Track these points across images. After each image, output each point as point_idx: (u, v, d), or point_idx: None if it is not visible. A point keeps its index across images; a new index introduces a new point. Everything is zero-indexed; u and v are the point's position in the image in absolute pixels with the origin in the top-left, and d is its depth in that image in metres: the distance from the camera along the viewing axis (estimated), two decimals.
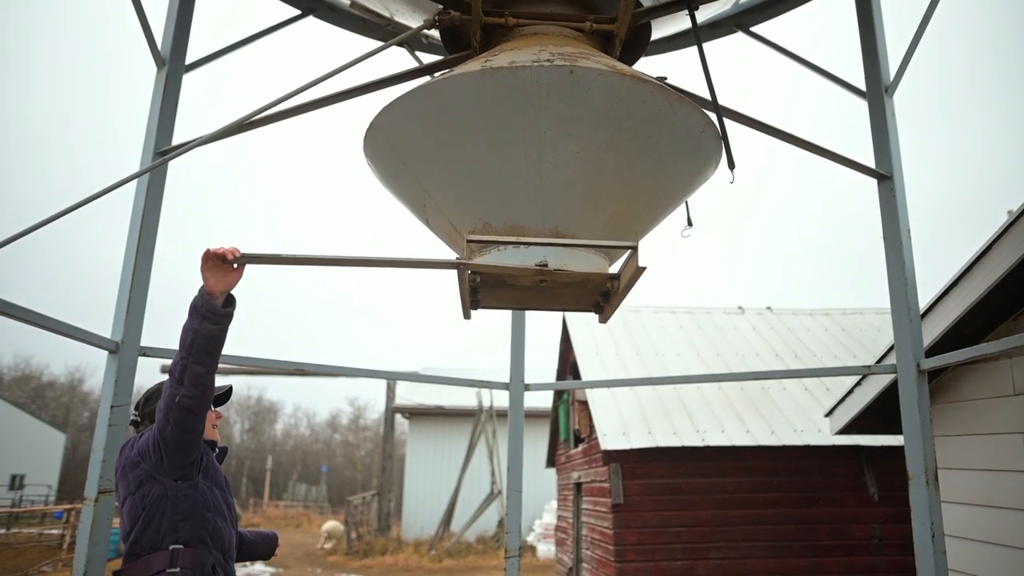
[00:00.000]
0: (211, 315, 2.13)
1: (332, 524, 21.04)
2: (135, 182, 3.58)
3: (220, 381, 2.83)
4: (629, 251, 2.15)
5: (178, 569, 2.19)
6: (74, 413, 49.78)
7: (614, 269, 2.32)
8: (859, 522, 7.05)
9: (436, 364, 25.42)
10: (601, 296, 2.42)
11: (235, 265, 2.13)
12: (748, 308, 9.96)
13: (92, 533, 3.14)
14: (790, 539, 6.97)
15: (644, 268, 2.03)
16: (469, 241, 2.05)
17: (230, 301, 2.20)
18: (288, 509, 39.14)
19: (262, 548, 2.75)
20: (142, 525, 2.22)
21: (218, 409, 2.73)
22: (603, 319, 2.61)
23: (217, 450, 2.66)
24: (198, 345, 2.13)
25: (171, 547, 2.21)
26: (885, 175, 3.78)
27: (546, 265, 1.95)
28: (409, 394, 23.59)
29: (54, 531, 19.50)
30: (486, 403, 20.21)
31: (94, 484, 3.18)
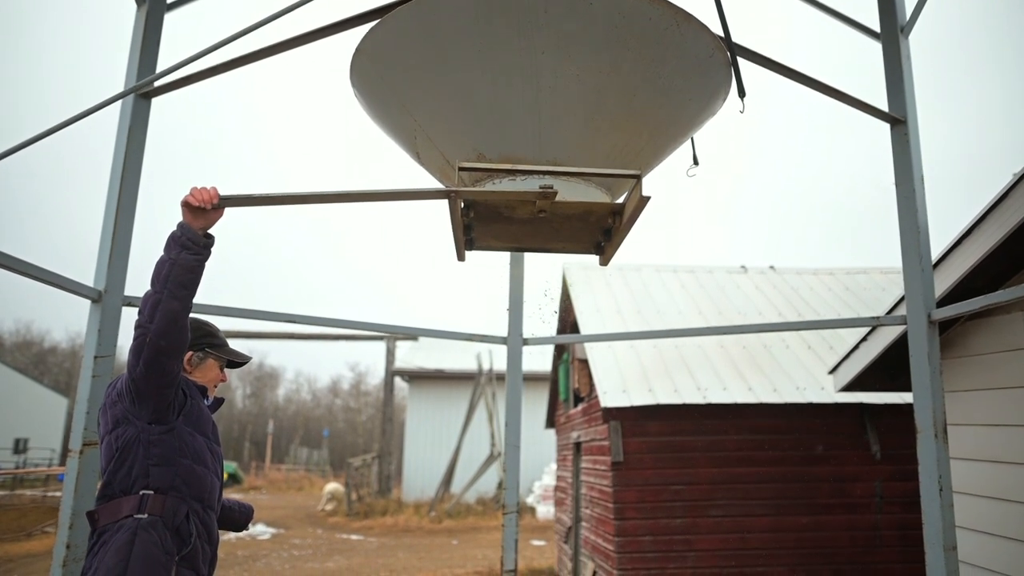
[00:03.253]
0: (192, 244, 2.05)
1: (334, 486, 21.13)
2: (116, 127, 3.45)
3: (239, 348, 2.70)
4: (633, 183, 2.02)
5: (146, 515, 2.08)
6: (76, 378, 49.95)
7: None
8: (861, 480, 7.00)
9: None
10: (602, 234, 2.29)
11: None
12: (751, 267, 9.85)
13: (77, 486, 3.06)
14: (791, 497, 6.93)
15: (648, 198, 1.90)
16: (460, 169, 1.90)
17: (210, 236, 2.12)
18: (290, 472, 39.47)
19: (238, 517, 2.63)
20: (115, 467, 2.12)
21: (225, 371, 2.59)
22: (604, 260, 2.48)
23: (211, 400, 2.51)
24: (175, 277, 2.03)
25: (141, 492, 2.10)
26: (899, 119, 3.64)
27: (551, 187, 1.79)
28: (409, 357, 23.58)
29: (57, 493, 19.64)
30: (486, 366, 20.21)
31: (79, 436, 3.10)
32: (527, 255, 4.64)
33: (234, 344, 2.74)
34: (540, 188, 1.81)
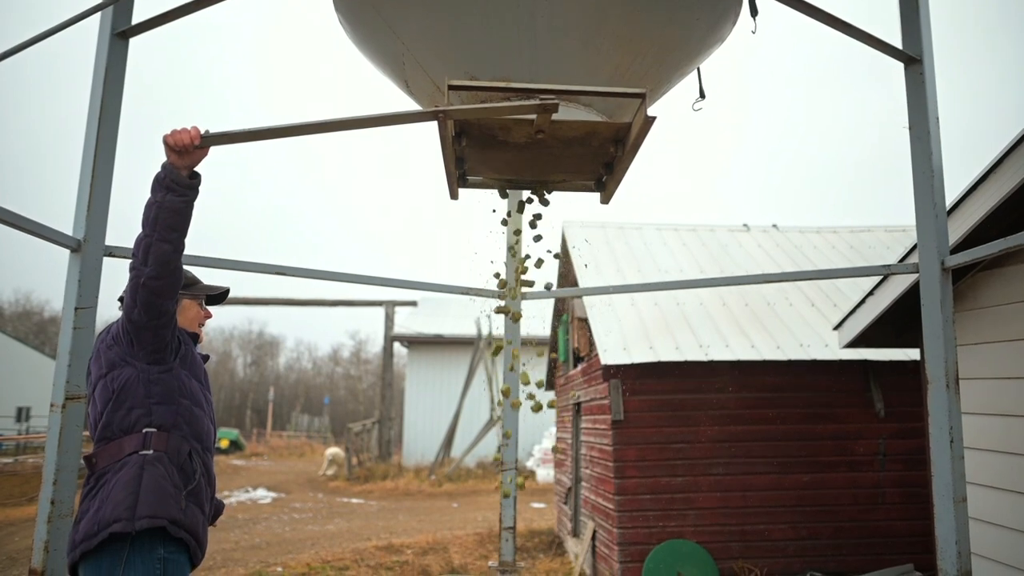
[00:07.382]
0: (176, 186, 2.02)
1: (335, 450, 21.17)
2: (92, 69, 3.28)
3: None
4: (637, 104, 1.87)
5: (151, 451, 2.09)
6: None
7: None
8: (864, 438, 6.94)
9: (435, 297, 25.18)
10: (605, 168, 2.14)
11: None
12: (753, 226, 9.69)
13: (61, 441, 2.96)
14: (793, 455, 6.87)
15: (654, 119, 1.75)
16: (450, 88, 1.75)
17: (195, 175, 2.09)
18: (291, 439, 39.68)
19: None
20: (113, 407, 2.13)
21: (209, 308, 2.59)
22: (606, 198, 2.35)
23: (198, 348, 2.50)
24: (162, 219, 2.02)
25: (144, 430, 2.11)
26: (914, 58, 3.46)
27: (552, 98, 1.63)
28: (408, 323, 23.53)
29: None
30: (485, 331, 20.15)
31: (60, 390, 2.98)
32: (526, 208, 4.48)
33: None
34: (541, 100, 1.65)
